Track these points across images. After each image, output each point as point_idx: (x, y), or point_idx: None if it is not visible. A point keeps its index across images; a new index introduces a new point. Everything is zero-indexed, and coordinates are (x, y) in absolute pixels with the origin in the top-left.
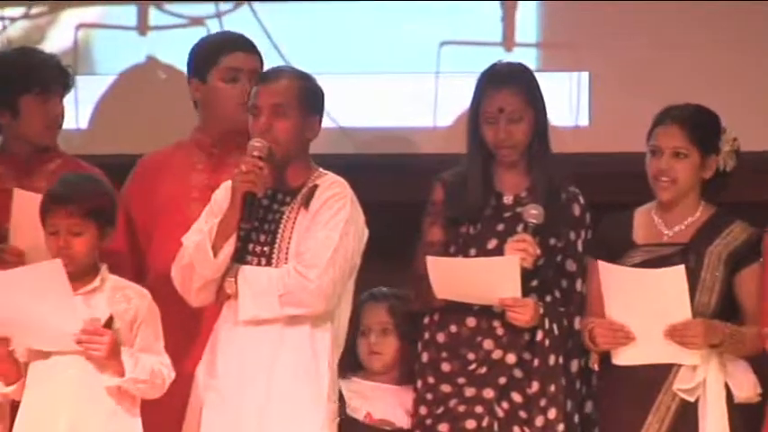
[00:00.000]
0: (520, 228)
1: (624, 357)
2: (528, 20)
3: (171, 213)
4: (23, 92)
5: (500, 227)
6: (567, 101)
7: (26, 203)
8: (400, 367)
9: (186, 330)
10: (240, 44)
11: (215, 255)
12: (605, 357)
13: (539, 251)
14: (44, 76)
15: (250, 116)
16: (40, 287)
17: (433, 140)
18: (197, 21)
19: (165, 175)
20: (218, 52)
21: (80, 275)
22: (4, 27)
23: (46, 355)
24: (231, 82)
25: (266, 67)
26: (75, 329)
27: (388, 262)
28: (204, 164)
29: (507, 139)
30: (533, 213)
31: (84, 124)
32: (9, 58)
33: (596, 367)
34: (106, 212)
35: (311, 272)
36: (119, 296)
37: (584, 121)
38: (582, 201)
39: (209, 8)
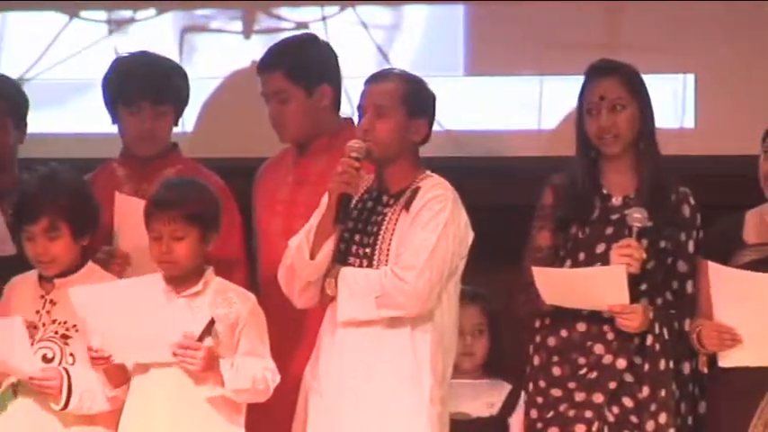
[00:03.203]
0: (627, 232)
1: (730, 360)
2: (633, 22)
3: (261, 224)
4: (117, 101)
5: (608, 230)
6: (672, 103)
7: (128, 208)
8: (485, 365)
9: (296, 333)
10: (260, 67)
11: (313, 256)
12: (714, 359)
13: (644, 255)
14: (132, 88)
15: (357, 116)
16: (139, 299)
17: (537, 143)
18: (302, 24)
19: (263, 185)
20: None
21: (184, 278)
22: (111, 31)
23: (145, 368)
24: (269, 104)
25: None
26: (173, 341)
27: (493, 264)
28: (293, 175)
29: (609, 127)
30: (637, 217)
31: (188, 128)
32: (114, 64)
33: (705, 369)
34: (209, 217)
35: (408, 274)
36: (221, 299)
37: (689, 123)
38: (692, 201)
39: (314, 12)
